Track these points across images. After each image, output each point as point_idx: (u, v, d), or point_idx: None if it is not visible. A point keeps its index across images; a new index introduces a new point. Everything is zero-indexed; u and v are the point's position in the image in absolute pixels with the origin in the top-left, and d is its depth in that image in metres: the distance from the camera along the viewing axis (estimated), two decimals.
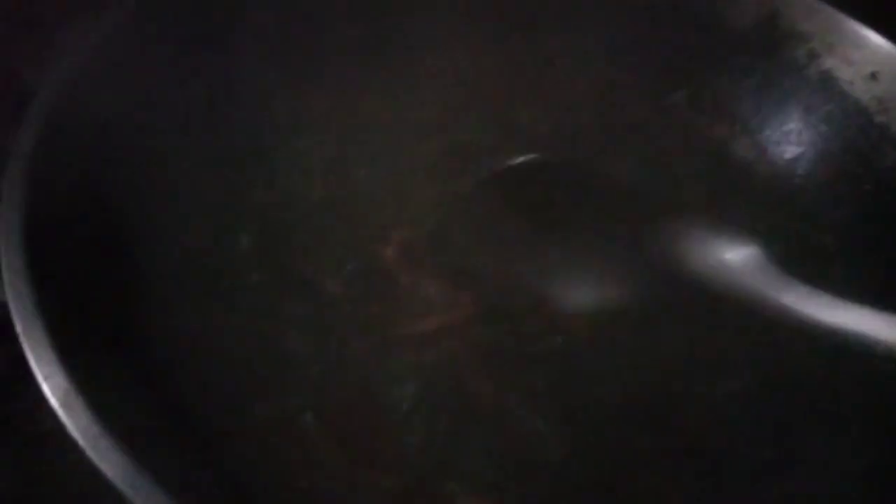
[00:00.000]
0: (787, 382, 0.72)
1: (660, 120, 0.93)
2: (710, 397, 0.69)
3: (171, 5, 0.75)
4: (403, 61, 0.86)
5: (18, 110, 0.64)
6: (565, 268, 0.73)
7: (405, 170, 0.79)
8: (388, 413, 0.65)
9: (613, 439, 0.65)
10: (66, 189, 0.62)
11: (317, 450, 0.63)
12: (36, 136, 0.62)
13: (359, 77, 0.85)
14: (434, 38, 0.87)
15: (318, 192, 0.77)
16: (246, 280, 0.71)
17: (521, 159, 0.79)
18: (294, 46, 0.82)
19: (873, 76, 0.84)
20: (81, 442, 0.47)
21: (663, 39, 0.93)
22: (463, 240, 0.74)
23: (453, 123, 0.84)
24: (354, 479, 0.62)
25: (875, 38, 0.84)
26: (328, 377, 0.67)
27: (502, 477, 0.63)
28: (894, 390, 0.70)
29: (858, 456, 0.67)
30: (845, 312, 0.66)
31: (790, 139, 0.90)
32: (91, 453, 0.47)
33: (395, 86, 0.86)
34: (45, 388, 0.49)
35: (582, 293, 0.73)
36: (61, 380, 0.50)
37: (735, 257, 0.75)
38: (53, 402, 0.49)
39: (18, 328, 0.51)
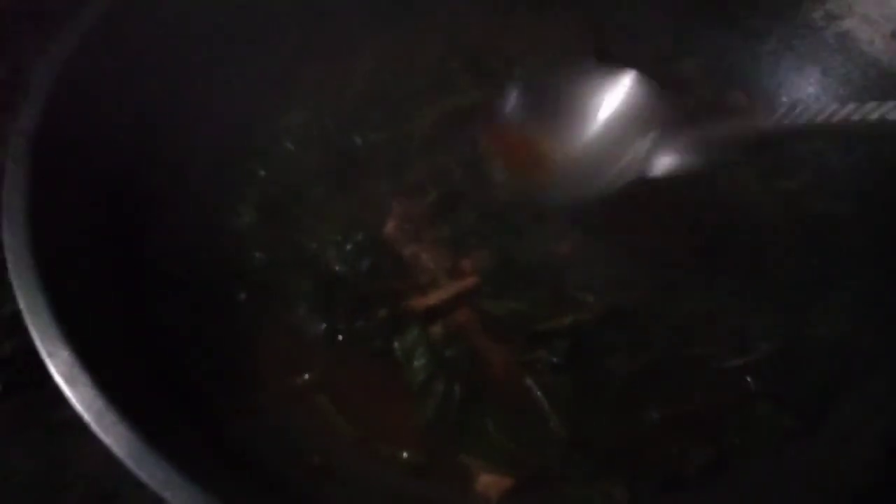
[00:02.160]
0: (810, 349, 0.70)
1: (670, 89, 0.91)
2: (724, 368, 0.67)
3: None
4: (401, 28, 0.85)
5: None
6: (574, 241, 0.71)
7: (404, 137, 0.77)
8: (401, 387, 0.64)
9: (624, 413, 0.64)
10: (68, 167, 0.61)
11: (330, 426, 0.63)
12: (38, 114, 0.61)
13: (355, 46, 0.83)
14: (430, 6, 0.85)
15: (317, 164, 0.76)
16: (250, 257, 0.70)
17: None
18: (288, 18, 0.81)
19: (894, 35, 0.81)
20: (86, 417, 0.47)
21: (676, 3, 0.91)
22: (465, 208, 0.73)
23: (452, 88, 0.82)
24: (370, 453, 0.62)
25: None
26: (339, 354, 0.66)
27: (517, 450, 0.62)
28: None
29: (880, 421, 0.65)
30: None
31: (808, 104, 0.88)
32: (95, 427, 0.46)
33: (392, 53, 0.84)
34: (50, 365, 0.49)
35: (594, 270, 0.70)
36: (66, 356, 0.49)
37: None
38: (58, 378, 0.49)
39: (21, 305, 0.51)
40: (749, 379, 0.67)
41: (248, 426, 0.59)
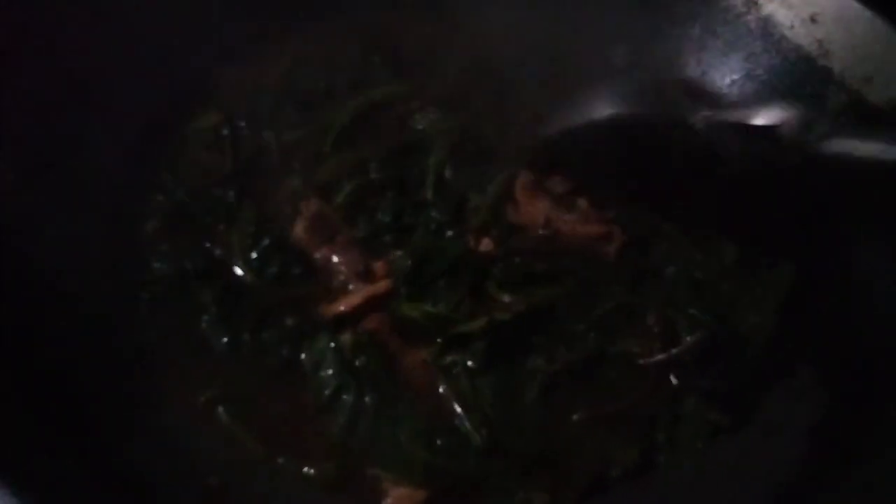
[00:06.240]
0: (738, 342, 0.68)
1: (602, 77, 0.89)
2: (649, 364, 0.65)
3: None
4: (318, 27, 0.81)
5: None
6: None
7: (316, 136, 0.74)
8: (308, 399, 0.61)
9: (545, 416, 0.61)
10: None
11: (232, 444, 0.59)
12: None
13: (271, 47, 0.80)
14: (348, 4, 0.82)
15: (227, 168, 0.72)
16: (152, 267, 0.66)
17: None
18: (201, 19, 0.77)
19: (813, 19, 0.80)
20: None
21: None
22: (377, 208, 0.70)
23: (371, 83, 0.79)
24: (274, 470, 0.58)
25: None
26: (243, 367, 0.62)
27: (431, 461, 0.59)
28: (844, 340, 0.67)
29: (808, 414, 0.63)
30: None
31: (732, 91, 0.87)
32: None
33: (309, 51, 0.81)
34: None
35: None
36: None
37: None
38: None
39: None
40: (674, 375, 0.65)
41: (141, 449, 0.55)
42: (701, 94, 0.78)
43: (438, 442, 0.59)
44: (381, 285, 0.65)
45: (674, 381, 0.65)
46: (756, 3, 0.84)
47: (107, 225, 0.67)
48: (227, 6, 0.79)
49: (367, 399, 0.60)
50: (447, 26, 0.85)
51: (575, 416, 0.62)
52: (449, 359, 0.62)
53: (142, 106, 0.74)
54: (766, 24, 0.83)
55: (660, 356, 0.65)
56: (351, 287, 0.65)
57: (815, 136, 0.64)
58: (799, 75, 0.81)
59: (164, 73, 0.76)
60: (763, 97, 0.84)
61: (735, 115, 0.67)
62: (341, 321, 0.63)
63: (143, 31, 0.75)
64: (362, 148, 0.73)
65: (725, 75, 0.87)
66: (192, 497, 0.54)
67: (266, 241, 0.66)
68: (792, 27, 0.81)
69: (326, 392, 0.60)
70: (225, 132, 0.74)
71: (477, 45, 0.84)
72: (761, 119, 0.65)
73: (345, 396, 0.60)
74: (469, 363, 0.62)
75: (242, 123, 0.75)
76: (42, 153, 0.66)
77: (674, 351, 0.66)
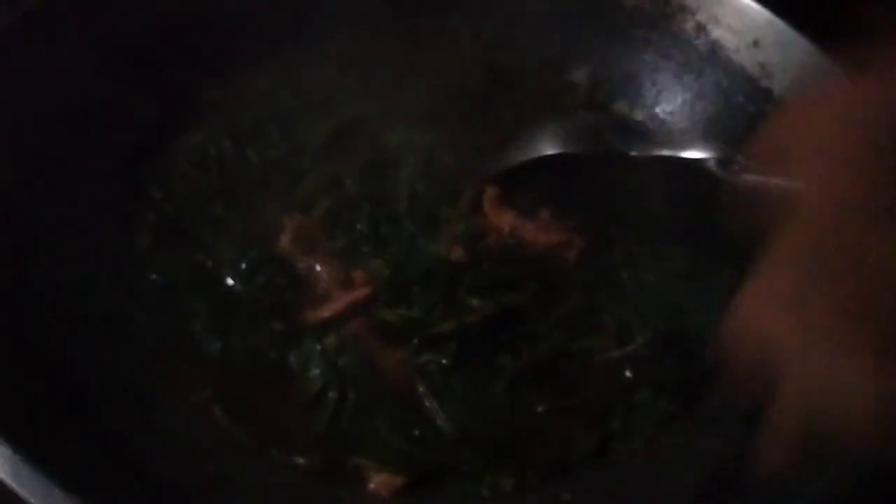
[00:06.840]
0: (686, 339, 0.75)
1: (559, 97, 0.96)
2: (605, 360, 0.72)
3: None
4: (296, 48, 0.87)
5: None
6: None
7: (296, 155, 0.80)
8: (296, 397, 0.67)
9: (511, 408, 0.67)
10: None
11: (226, 437, 0.64)
12: None
13: (253, 66, 0.85)
14: (325, 27, 0.88)
15: (214, 185, 0.77)
16: (147, 279, 0.71)
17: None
18: (185, 41, 0.82)
19: (755, 43, 0.87)
20: None
21: (564, 15, 0.95)
22: (354, 220, 0.76)
23: (347, 101, 0.85)
24: (266, 459, 0.64)
25: (754, 7, 0.87)
26: (235, 369, 0.68)
27: (408, 450, 0.65)
28: None
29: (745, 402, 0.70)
30: None
31: (684, 110, 0.94)
32: None
33: (289, 69, 0.87)
34: None
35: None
36: None
37: None
38: None
39: None
40: (628, 369, 0.72)
41: (144, 441, 0.60)
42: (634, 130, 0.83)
43: (415, 433, 0.65)
44: (361, 292, 0.71)
45: (628, 374, 0.71)
46: (705, 29, 0.91)
47: (101, 241, 0.72)
48: (212, 30, 0.85)
49: (350, 395, 0.66)
50: (416, 49, 0.91)
51: (539, 408, 0.68)
52: (424, 358, 0.68)
53: (130, 126, 0.79)
54: (714, 48, 0.91)
55: (616, 353, 0.72)
56: (333, 294, 0.71)
57: (729, 171, 0.69)
58: (744, 96, 0.89)
59: (151, 95, 0.81)
60: (711, 115, 0.92)
61: (667, 150, 0.74)
62: (325, 325, 0.69)
63: (129, 54, 0.79)
64: (338, 164, 0.79)
65: (678, 95, 0.94)
66: (192, 481, 0.59)
67: (253, 253, 0.72)
68: (737, 51, 0.89)
69: (313, 390, 0.66)
70: (211, 151, 0.80)
71: (444, 67, 0.91)
72: (690, 153, 0.72)
73: (330, 394, 0.66)
74: (443, 361, 0.68)
75: (227, 143, 0.81)
76: (34, 173, 0.70)
77: (628, 348, 0.73)
